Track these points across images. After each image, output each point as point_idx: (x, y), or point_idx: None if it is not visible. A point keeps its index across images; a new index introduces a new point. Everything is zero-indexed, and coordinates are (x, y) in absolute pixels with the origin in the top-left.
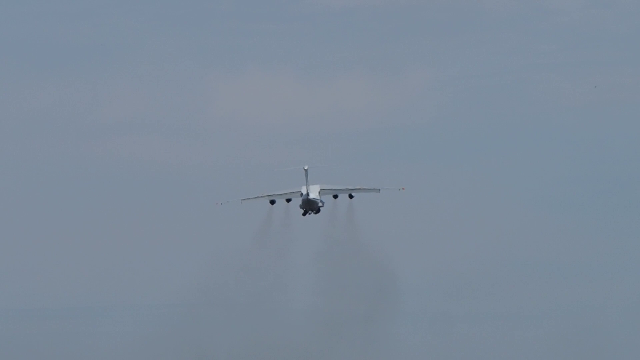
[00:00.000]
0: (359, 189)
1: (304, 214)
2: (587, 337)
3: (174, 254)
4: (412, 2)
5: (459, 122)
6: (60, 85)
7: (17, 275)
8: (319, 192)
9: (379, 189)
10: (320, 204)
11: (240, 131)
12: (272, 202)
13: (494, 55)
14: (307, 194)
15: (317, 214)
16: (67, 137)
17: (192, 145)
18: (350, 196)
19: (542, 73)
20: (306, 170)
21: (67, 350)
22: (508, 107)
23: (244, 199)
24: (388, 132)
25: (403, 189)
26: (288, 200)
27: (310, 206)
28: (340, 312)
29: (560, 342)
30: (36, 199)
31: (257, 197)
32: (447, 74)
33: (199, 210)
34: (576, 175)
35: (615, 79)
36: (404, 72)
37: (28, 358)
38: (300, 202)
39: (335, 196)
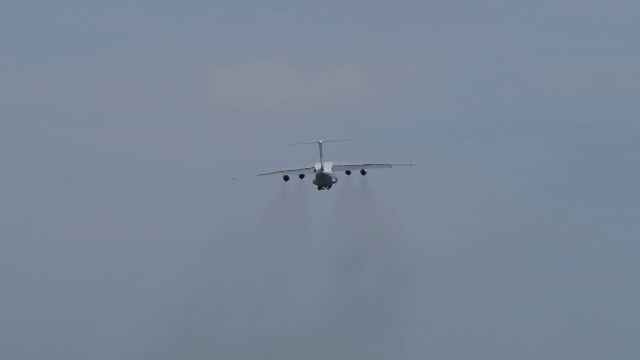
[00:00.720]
0: (371, 164)
1: (319, 188)
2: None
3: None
4: None
5: (458, 110)
6: (56, 73)
7: (18, 265)
8: (332, 168)
9: (391, 165)
10: (333, 180)
11: (239, 119)
12: (286, 178)
13: (493, 42)
14: (322, 169)
15: (329, 189)
16: (67, 125)
17: (192, 132)
18: (363, 172)
19: (542, 60)
20: (320, 144)
21: (71, 340)
22: (508, 94)
23: (259, 174)
24: (387, 119)
25: (414, 165)
26: (301, 176)
27: (324, 181)
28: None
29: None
30: (37, 188)
31: (271, 172)
32: (447, 61)
33: (209, 189)
34: (576, 162)
35: (616, 66)
36: (402, 60)
37: (27, 348)
38: (314, 178)
39: (348, 172)
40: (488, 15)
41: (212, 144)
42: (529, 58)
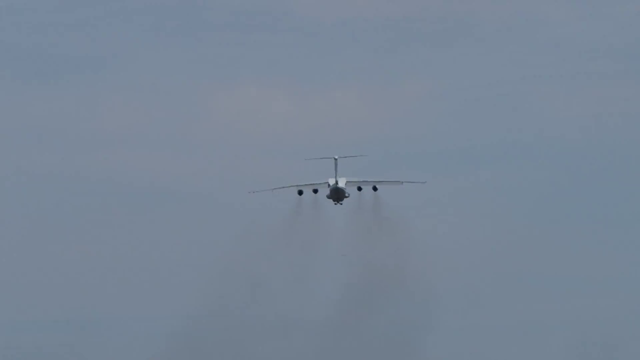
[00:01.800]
0: (382, 181)
1: (335, 203)
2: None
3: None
4: (406, 13)
5: (456, 133)
6: (54, 97)
7: (16, 286)
8: (345, 184)
9: (402, 182)
10: (346, 195)
11: (235, 143)
12: (300, 192)
13: (491, 66)
14: (336, 183)
15: (342, 204)
16: (64, 150)
17: (188, 155)
18: (375, 188)
19: (536, 84)
20: (336, 159)
21: None
22: (505, 118)
23: (275, 189)
24: (385, 143)
25: (424, 182)
26: (315, 191)
27: (338, 195)
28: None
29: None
30: (37, 210)
31: (286, 186)
32: (443, 85)
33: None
34: (574, 184)
35: (610, 91)
36: (399, 84)
37: None
38: (328, 192)
39: (360, 188)
40: (486, 40)
41: (209, 165)
42: (527, 82)
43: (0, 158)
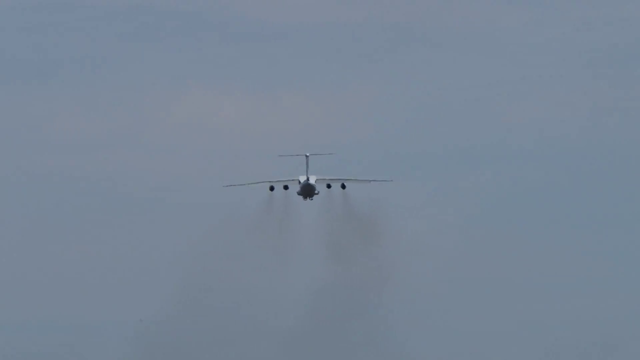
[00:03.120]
0: (351, 179)
1: (304, 199)
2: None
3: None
4: (356, 19)
5: (405, 141)
6: (19, 101)
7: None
8: (315, 181)
9: (370, 180)
10: (316, 192)
11: (184, 149)
12: (272, 188)
13: (439, 71)
14: (307, 179)
15: (312, 200)
16: (36, 153)
17: (136, 161)
18: (343, 186)
19: (488, 89)
20: (307, 157)
21: None
22: (455, 124)
23: (249, 183)
24: (334, 149)
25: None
26: (286, 187)
27: (308, 191)
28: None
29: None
30: (11, 217)
31: (260, 182)
32: (392, 91)
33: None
34: (535, 190)
35: (563, 96)
36: (347, 90)
37: None
38: (299, 189)
39: (329, 185)
40: (436, 44)
41: (168, 166)
42: (477, 87)
43: None
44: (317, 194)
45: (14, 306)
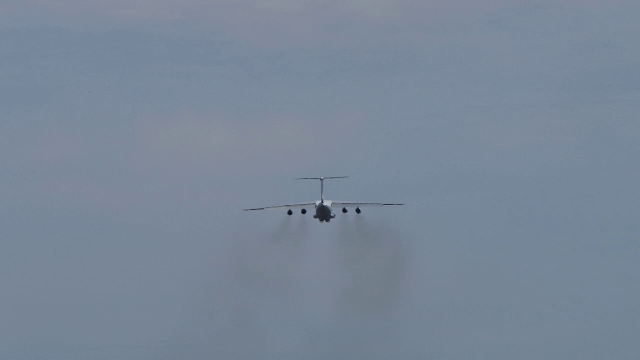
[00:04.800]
0: (365, 203)
1: (320, 221)
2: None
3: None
4: (344, 45)
5: (392, 164)
6: (6, 125)
7: None
8: (331, 204)
9: (382, 204)
10: (332, 215)
11: (174, 174)
12: (290, 212)
13: (427, 97)
14: (322, 202)
15: (328, 222)
16: (6, 180)
17: (126, 187)
18: (358, 210)
19: (475, 115)
20: (322, 180)
21: None
22: (441, 149)
23: (267, 208)
24: (322, 173)
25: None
26: (303, 212)
27: (323, 214)
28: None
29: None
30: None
31: (278, 206)
32: (380, 115)
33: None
34: (511, 215)
35: (548, 121)
36: (336, 114)
37: None
38: (314, 212)
39: (345, 210)
40: (423, 70)
41: (149, 194)
42: (463, 112)
43: None
44: (333, 217)
45: None
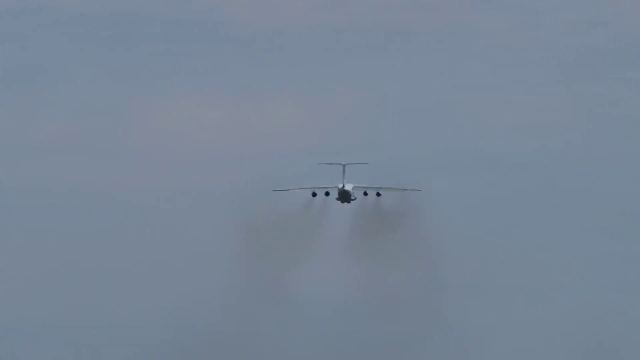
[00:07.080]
0: (386, 187)
1: (342, 203)
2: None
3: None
4: (340, 23)
5: (390, 143)
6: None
7: None
8: (353, 188)
9: (403, 189)
10: (353, 198)
11: (171, 154)
12: (314, 194)
13: (423, 75)
14: (343, 186)
15: (349, 204)
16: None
17: (124, 166)
18: (378, 194)
19: (471, 94)
20: (344, 165)
21: None
22: (438, 128)
23: (293, 189)
24: (319, 153)
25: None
26: (327, 194)
27: (344, 197)
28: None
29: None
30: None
31: (304, 188)
32: (377, 94)
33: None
34: (506, 195)
35: (544, 100)
36: (333, 93)
37: None
38: (336, 194)
39: (365, 193)
40: (418, 49)
41: (146, 174)
42: (459, 91)
43: None
44: (354, 199)
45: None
